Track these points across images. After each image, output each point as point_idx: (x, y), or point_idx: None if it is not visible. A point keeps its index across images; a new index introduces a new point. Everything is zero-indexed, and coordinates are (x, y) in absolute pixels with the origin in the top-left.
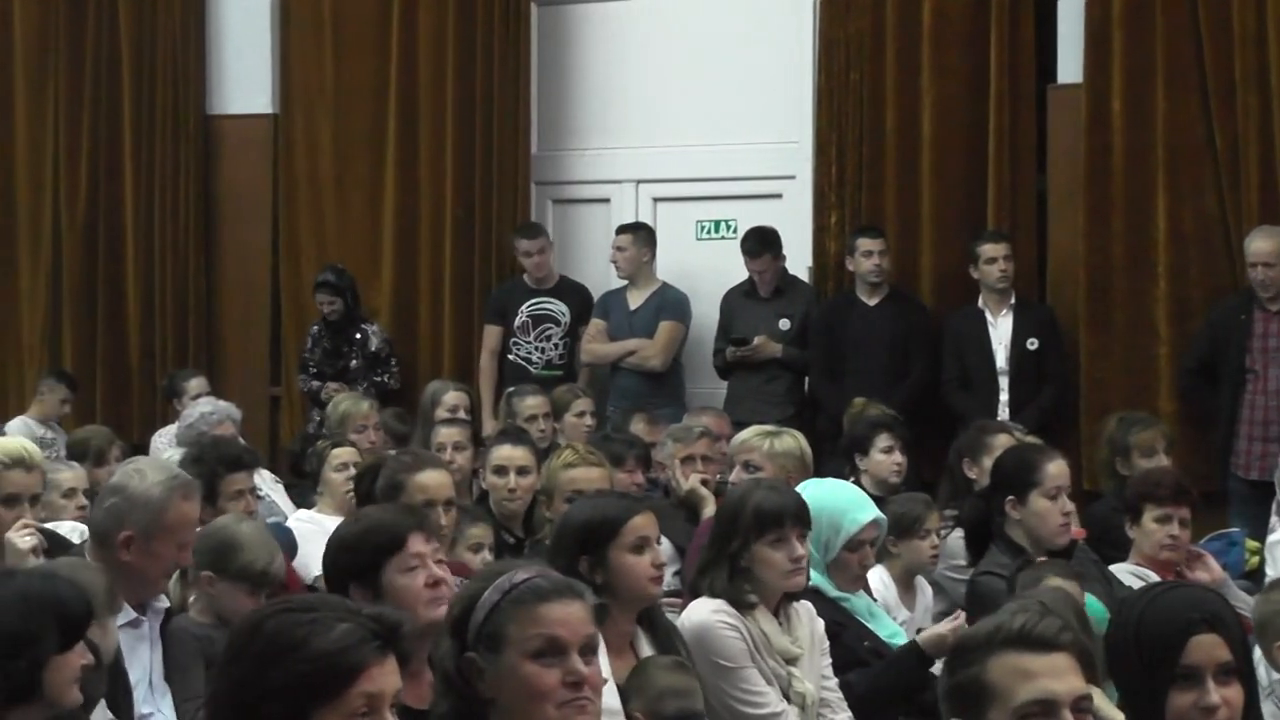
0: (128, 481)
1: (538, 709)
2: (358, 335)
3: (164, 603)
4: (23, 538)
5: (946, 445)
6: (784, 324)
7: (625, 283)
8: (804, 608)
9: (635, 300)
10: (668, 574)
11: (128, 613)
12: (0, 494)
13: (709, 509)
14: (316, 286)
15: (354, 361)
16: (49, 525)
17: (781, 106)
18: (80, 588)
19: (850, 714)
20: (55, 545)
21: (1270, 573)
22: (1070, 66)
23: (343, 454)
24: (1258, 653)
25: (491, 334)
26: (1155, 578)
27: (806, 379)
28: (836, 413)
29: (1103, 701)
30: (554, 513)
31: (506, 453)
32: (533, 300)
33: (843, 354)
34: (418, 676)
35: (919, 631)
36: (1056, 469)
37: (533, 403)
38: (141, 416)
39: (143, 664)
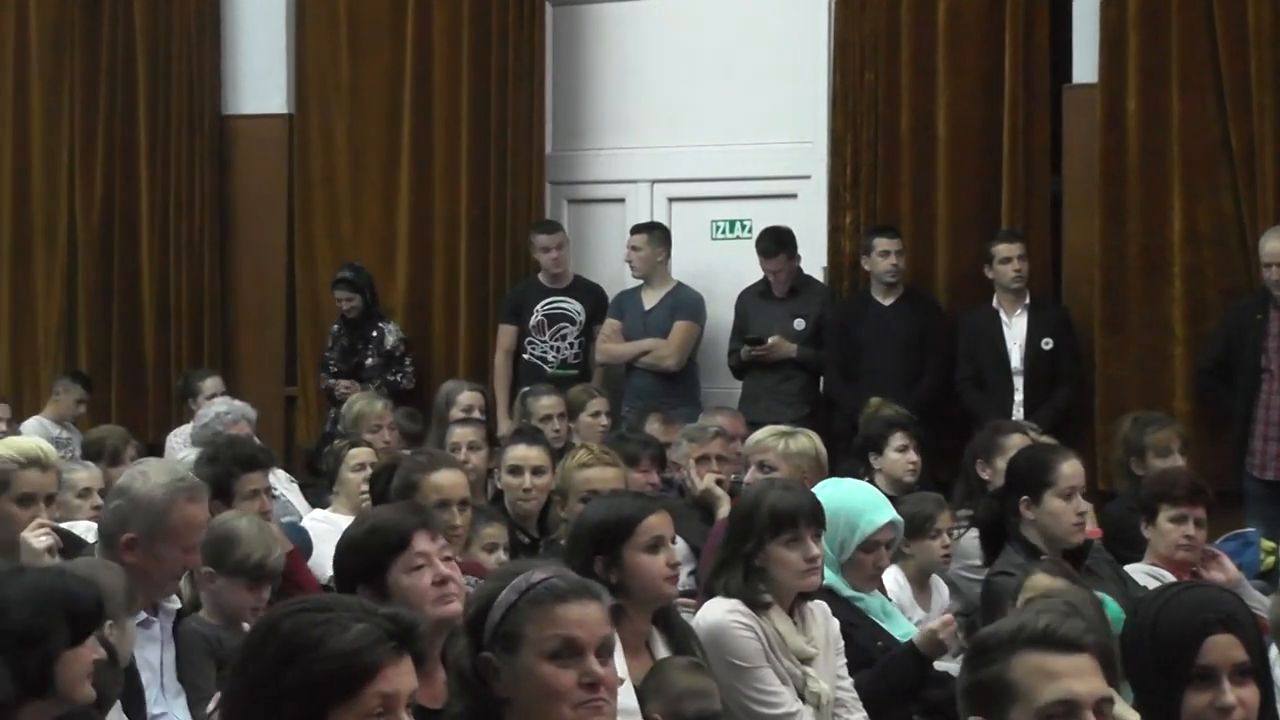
0: (131, 483)
1: (554, 709)
2: (374, 333)
3: (175, 603)
4: (38, 537)
5: (961, 445)
6: (799, 324)
7: (640, 282)
8: (819, 607)
9: (650, 300)
10: (682, 574)
11: (140, 613)
12: (16, 493)
13: (724, 509)
14: (335, 283)
15: (369, 359)
16: (64, 525)
17: (796, 107)
18: (91, 583)
19: (865, 714)
20: (70, 545)
21: None
22: (1085, 67)
23: (360, 454)
24: (1274, 652)
25: (506, 333)
26: (1171, 578)
27: (821, 379)
28: (852, 412)
29: (1119, 704)
30: (569, 513)
31: (521, 453)
32: (548, 299)
33: (858, 354)
34: (430, 676)
35: None
36: (1071, 469)
37: (548, 403)
38: (156, 416)
39: (155, 664)
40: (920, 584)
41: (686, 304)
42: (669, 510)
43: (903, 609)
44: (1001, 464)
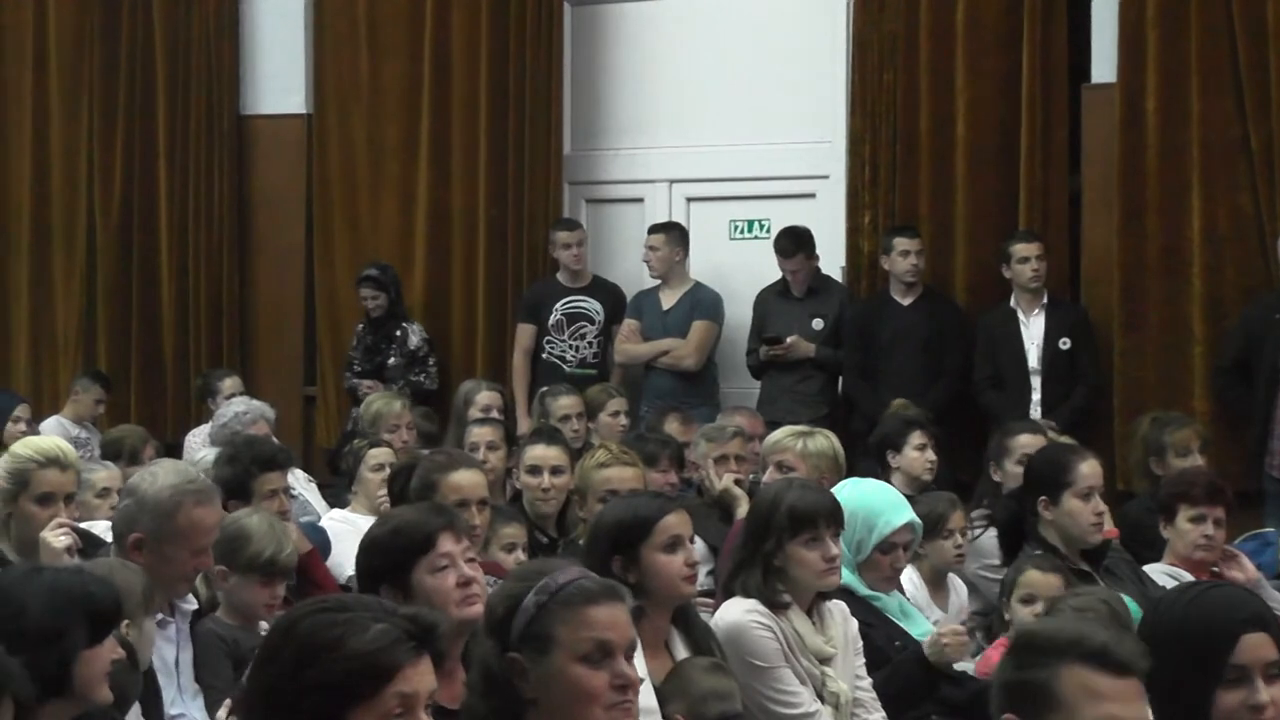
0: (140, 484)
1: (585, 711)
2: (398, 332)
3: (192, 604)
4: (57, 537)
5: (980, 445)
6: (817, 324)
7: (658, 282)
8: (838, 607)
9: (668, 300)
10: (701, 573)
11: (156, 613)
12: (35, 493)
13: (742, 509)
14: (360, 281)
15: (392, 359)
16: (83, 525)
17: (815, 106)
18: (108, 583)
19: (884, 714)
20: (90, 544)
21: None
22: (1104, 66)
23: (380, 454)
24: None
25: (525, 332)
26: (1189, 578)
27: (840, 379)
28: (870, 412)
29: None
30: (587, 512)
31: (540, 452)
32: (567, 299)
33: (876, 354)
34: (450, 676)
35: None
36: (1089, 469)
37: (566, 402)
38: (175, 416)
39: (171, 665)
40: (936, 583)
41: (705, 304)
42: (687, 510)
43: (919, 609)
44: (1010, 466)
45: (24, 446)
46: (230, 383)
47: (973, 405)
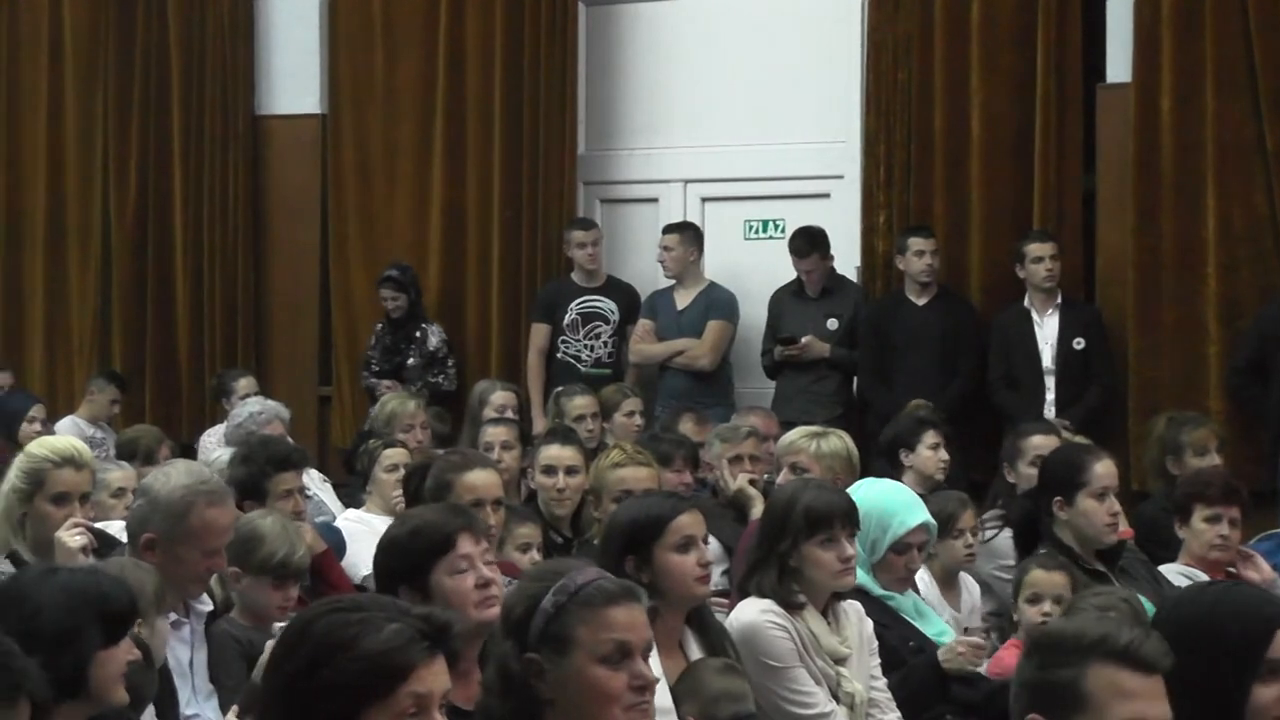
0: (153, 484)
1: (604, 711)
2: (417, 333)
3: (207, 604)
4: (73, 536)
5: (994, 445)
6: (832, 324)
7: (673, 282)
8: (853, 607)
9: (683, 300)
10: (716, 573)
11: (170, 614)
12: (50, 493)
13: (757, 509)
14: (381, 282)
15: (411, 359)
16: (99, 525)
17: (829, 106)
18: (124, 584)
19: (899, 714)
20: (105, 544)
21: None
22: (1119, 66)
23: (394, 455)
24: None
25: (539, 332)
26: (1205, 578)
27: (855, 379)
28: (885, 412)
29: None
30: (602, 512)
31: (555, 452)
32: (582, 298)
33: (891, 354)
34: (467, 676)
35: (965, 631)
36: (1104, 469)
37: (581, 402)
38: (190, 416)
39: (186, 665)
40: (947, 583)
41: (720, 303)
42: (702, 510)
43: (931, 608)
44: (1023, 467)
45: (39, 446)
46: (245, 383)
47: (987, 405)
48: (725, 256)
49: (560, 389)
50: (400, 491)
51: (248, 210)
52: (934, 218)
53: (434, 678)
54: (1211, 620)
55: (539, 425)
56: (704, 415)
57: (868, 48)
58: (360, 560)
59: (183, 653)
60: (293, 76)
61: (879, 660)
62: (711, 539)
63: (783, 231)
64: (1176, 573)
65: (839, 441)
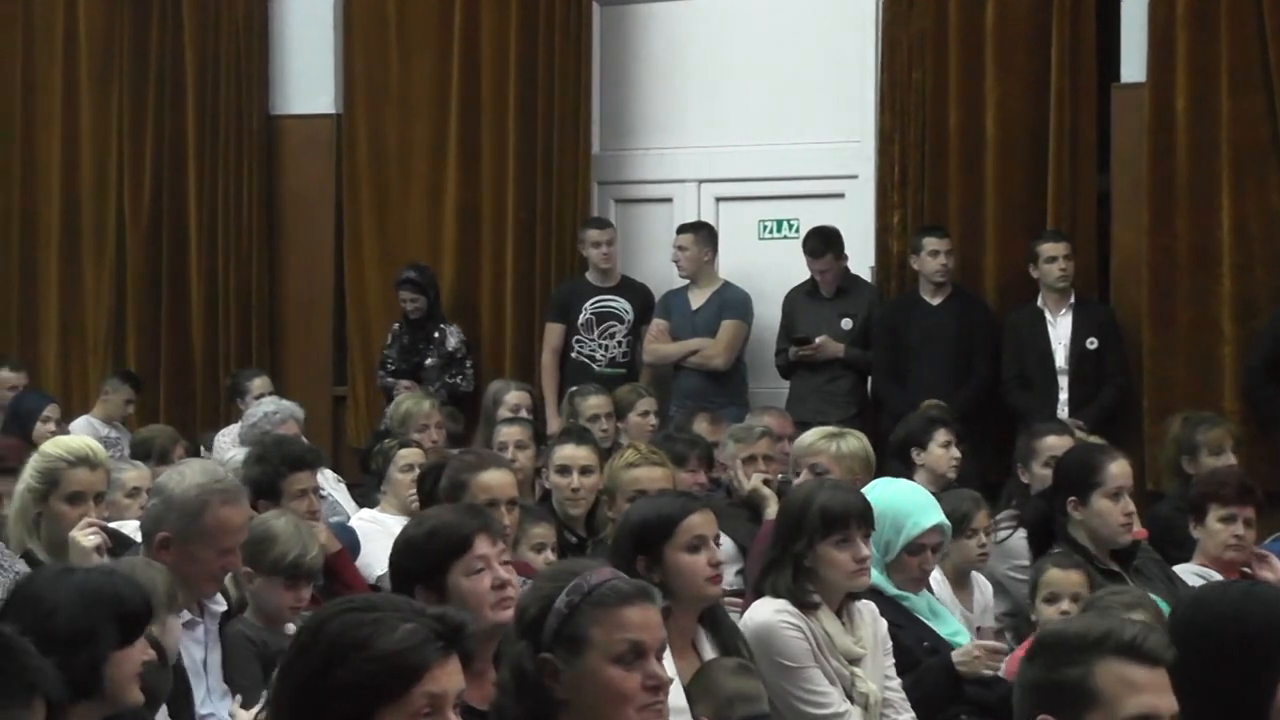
0: (168, 483)
1: (618, 712)
2: (436, 334)
3: (221, 604)
4: (87, 536)
5: (1008, 445)
6: (846, 324)
7: (687, 282)
8: (867, 608)
9: (697, 300)
10: (730, 573)
11: (184, 614)
12: (65, 492)
13: (771, 509)
14: (399, 283)
15: (429, 360)
16: (113, 524)
17: (844, 106)
18: (138, 584)
19: (913, 714)
20: (119, 544)
21: None
22: (1134, 65)
23: (409, 455)
24: None
25: (554, 332)
26: (1219, 579)
27: (869, 379)
28: (899, 412)
29: None
30: (616, 512)
31: (569, 452)
32: (596, 298)
33: (906, 354)
34: (481, 676)
35: (978, 631)
36: (1119, 469)
37: (595, 402)
38: (205, 416)
39: (200, 665)
40: (960, 582)
41: (734, 303)
42: (715, 510)
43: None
44: (1037, 468)
45: (54, 446)
46: (259, 382)
47: (1001, 405)
48: (739, 256)
49: (575, 389)
50: (415, 491)
51: (262, 210)
52: (948, 217)
53: (448, 678)
54: (1239, 620)
55: (553, 425)
56: (718, 415)
57: (882, 47)
58: (375, 560)
59: (197, 652)
60: (307, 76)
61: (893, 661)
62: (725, 539)
63: (797, 231)
64: (1191, 573)
65: (857, 442)
